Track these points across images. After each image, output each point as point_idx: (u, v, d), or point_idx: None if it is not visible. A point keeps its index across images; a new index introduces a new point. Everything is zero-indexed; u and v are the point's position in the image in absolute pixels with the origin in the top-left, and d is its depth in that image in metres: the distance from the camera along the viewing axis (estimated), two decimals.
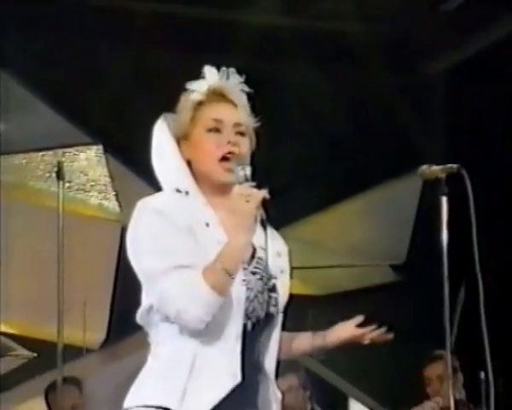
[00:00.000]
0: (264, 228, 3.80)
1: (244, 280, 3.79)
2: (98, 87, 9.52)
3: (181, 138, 3.88)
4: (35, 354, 8.95)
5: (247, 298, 3.80)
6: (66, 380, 7.80)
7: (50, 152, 9.14)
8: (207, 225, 3.79)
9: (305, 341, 4.31)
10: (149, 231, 3.80)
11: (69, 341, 8.93)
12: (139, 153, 8.07)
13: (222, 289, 3.70)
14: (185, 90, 3.90)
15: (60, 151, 9.54)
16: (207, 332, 3.77)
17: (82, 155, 9.97)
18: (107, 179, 9.91)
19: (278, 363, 4.21)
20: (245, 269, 3.79)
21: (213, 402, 3.72)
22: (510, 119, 10.00)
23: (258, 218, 3.75)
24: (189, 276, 3.67)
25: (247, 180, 3.70)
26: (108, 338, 9.87)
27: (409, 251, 10.39)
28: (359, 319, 4.18)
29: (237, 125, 3.82)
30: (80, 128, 9.83)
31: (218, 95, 3.88)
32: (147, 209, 3.81)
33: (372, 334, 4.16)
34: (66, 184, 9.40)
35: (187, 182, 3.89)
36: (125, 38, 9.84)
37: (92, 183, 9.98)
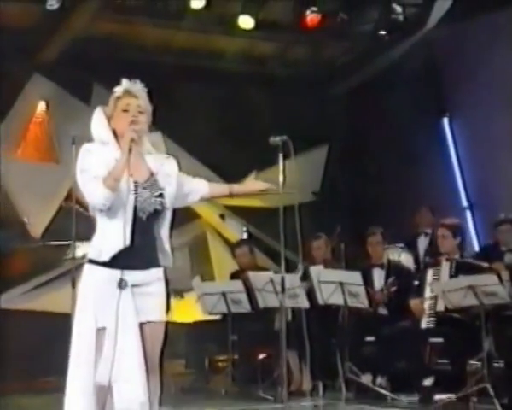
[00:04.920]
0: (128, 152, 4.18)
1: (134, 191, 4.26)
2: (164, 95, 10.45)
3: (110, 118, 4.40)
4: None
5: (140, 201, 4.28)
6: None
7: None
8: (116, 160, 4.25)
9: (226, 188, 4.75)
10: (83, 160, 4.30)
11: None
12: (186, 137, 10.43)
13: (112, 187, 4.19)
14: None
15: None
16: (114, 217, 4.25)
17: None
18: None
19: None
20: (138, 186, 4.29)
21: (114, 252, 4.24)
22: (384, 123, 11.33)
23: (139, 149, 4.30)
24: (97, 181, 4.19)
25: (134, 132, 4.26)
26: None
27: (321, 186, 11.97)
28: (265, 185, 4.71)
29: (138, 107, 4.37)
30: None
31: (128, 93, 4.39)
32: (83, 149, 4.35)
33: (269, 187, 4.70)
34: None
35: (108, 138, 4.37)
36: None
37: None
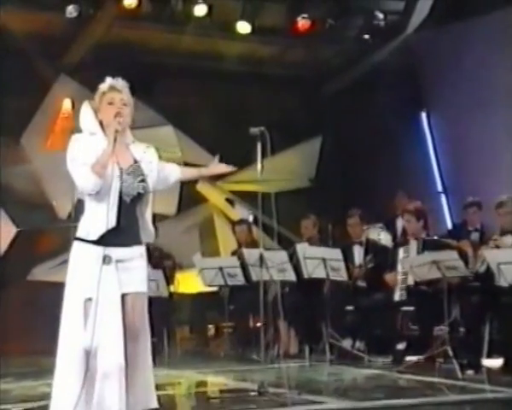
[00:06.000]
0: (113, 141, 4.27)
1: (119, 176, 4.36)
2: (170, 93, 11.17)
3: (97, 111, 4.50)
4: None
5: (125, 186, 4.37)
6: None
7: (152, 128, 10.20)
8: (103, 149, 4.33)
9: (195, 171, 4.96)
10: (72, 150, 4.37)
11: (160, 212, 9.37)
12: (191, 128, 10.73)
13: (99, 173, 4.29)
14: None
15: (154, 128, 10.77)
16: (101, 200, 4.33)
17: (162, 130, 11.40)
18: (175, 143, 11.17)
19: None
20: (123, 172, 4.38)
21: (101, 232, 4.35)
22: (370, 117, 11.60)
23: (121, 138, 4.35)
24: (86, 168, 4.27)
25: (119, 123, 4.36)
26: (179, 210, 11.27)
27: (316, 174, 12.33)
28: (229, 167, 4.83)
29: (121, 100, 4.46)
30: (161, 115, 11.32)
31: (112, 88, 4.48)
32: (73, 139, 4.44)
33: (230, 169, 4.81)
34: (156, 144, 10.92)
35: (95, 129, 4.45)
36: None
37: (167, 143, 10.85)
